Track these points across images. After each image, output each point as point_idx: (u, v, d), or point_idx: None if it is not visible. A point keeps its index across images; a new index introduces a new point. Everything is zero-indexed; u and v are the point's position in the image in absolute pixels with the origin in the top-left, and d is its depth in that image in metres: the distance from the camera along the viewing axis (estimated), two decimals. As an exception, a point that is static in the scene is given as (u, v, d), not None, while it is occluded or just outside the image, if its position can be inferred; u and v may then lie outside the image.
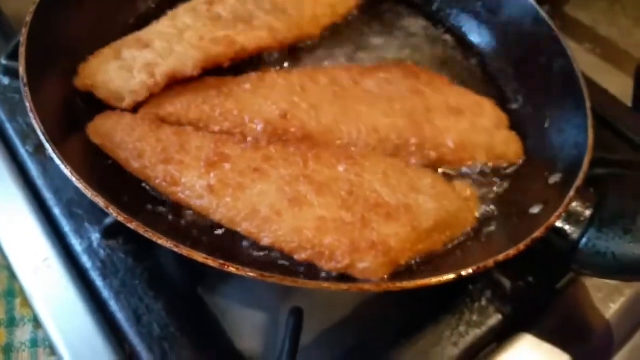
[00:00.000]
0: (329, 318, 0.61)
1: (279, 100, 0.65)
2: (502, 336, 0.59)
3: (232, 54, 0.70)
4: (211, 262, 0.47)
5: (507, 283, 0.61)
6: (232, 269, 0.47)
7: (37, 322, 0.59)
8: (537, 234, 0.51)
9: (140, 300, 0.57)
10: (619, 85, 0.89)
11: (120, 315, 0.56)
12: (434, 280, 0.47)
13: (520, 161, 0.67)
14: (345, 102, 0.66)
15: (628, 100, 0.85)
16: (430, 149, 0.64)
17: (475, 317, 0.60)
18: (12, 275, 0.61)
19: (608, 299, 0.64)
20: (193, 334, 0.56)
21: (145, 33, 0.71)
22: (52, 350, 0.57)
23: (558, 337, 0.60)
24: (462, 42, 0.81)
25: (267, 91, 0.67)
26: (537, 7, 0.74)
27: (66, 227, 0.62)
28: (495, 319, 0.60)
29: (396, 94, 0.68)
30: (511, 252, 0.50)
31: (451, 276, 0.48)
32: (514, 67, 0.75)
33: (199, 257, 0.47)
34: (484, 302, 0.61)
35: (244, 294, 0.62)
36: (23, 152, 0.68)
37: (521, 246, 0.50)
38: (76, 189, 0.61)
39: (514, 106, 0.73)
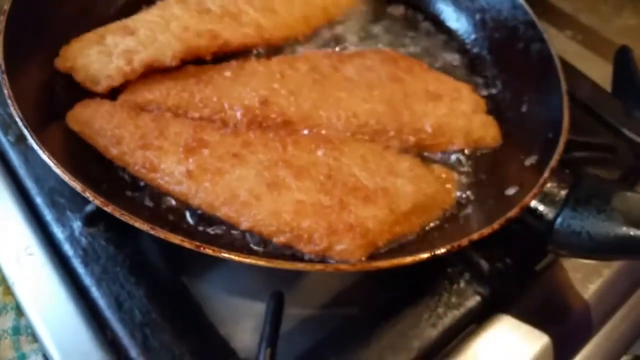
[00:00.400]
0: (311, 303, 0.62)
1: (259, 87, 0.66)
2: (480, 317, 0.60)
3: (215, 47, 0.70)
4: (187, 244, 0.48)
5: (485, 265, 0.62)
6: (208, 251, 0.47)
7: (19, 310, 0.59)
8: (512, 213, 0.52)
9: (122, 287, 0.57)
10: (599, 72, 0.90)
11: (101, 302, 0.57)
12: (409, 259, 0.48)
13: (498, 145, 0.68)
14: (325, 89, 0.67)
15: (608, 86, 0.86)
16: (408, 133, 0.65)
17: (453, 299, 0.61)
18: (-5, 264, 0.61)
19: (586, 280, 0.65)
20: (175, 319, 0.57)
21: (133, 20, 0.72)
22: (34, 337, 0.58)
23: (537, 318, 0.61)
24: (441, 28, 0.81)
25: (247, 79, 0.67)
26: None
27: (48, 215, 0.62)
28: (473, 300, 0.61)
29: (375, 80, 0.69)
30: (485, 231, 0.50)
31: (425, 255, 0.48)
32: (492, 53, 0.76)
33: (176, 239, 0.48)
34: (462, 284, 0.61)
35: (227, 282, 0.62)
36: (4, 141, 0.68)
37: (495, 225, 0.51)
38: (58, 177, 0.61)
39: (493, 91, 0.74)
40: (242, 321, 0.59)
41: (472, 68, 0.77)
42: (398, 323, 0.59)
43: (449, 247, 0.49)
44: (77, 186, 0.50)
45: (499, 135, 0.68)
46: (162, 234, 0.48)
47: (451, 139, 0.66)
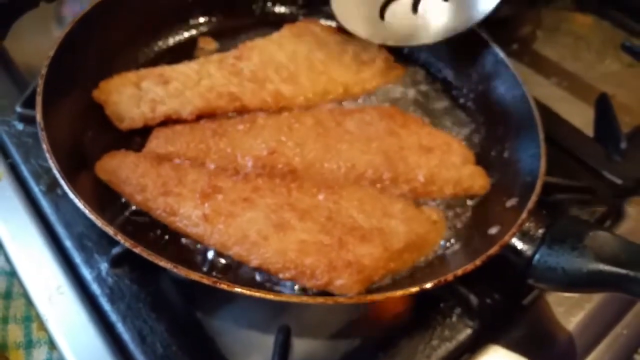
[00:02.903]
0: (316, 336, 0.66)
1: (268, 139, 0.73)
2: (472, 348, 0.65)
3: (232, 108, 0.79)
4: (206, 280, 0.54)
5: (474, 300, 0.66)
6: (223, 286, 0.53)
7: (52, 344, 0.64)
8: (492, 251, 0.58)
9: (144, 322, 0.62)
10: (583, 116, 0.96)
11: (126, 336, 0.61)
12: (399, 292, 0.53)
13: (485, 192, 0.74)
14: (327, 141, 0.74)
15: (591, 129, 0.93)
16: (403, 182, 0.72)
17: (446, 332, 0.65)
18: (29, 303, 0.67)
19: (569, 313, 0.69)
20: (192, 352, 0.62)
21: (171, 70, 0.81)
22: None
23: (524, 348, 0.65)
24: (435, 77, 0.90)
25: (258, 132, 0.74)
26: (497, 49, 0.82)
27: (77, 258, 0.67)
28: (464, 333, 0.65)
29: (374, 134, 0.76)
30: (468, 267, 0.56)
31: (415, 289, 0.54)
32: (476, 103, 0.83)
33: (195, 276, 0.54)
34: (454, 318, 0.66)
35: (237, 317, 0.67)
36: (37, 190, 0.73)
37: (477, 262, 0.57)
38: (86, 223, 0.69)
39: (477, 138, 0.81)
40: (253, 354, 0.64)
41: (459, 116, 0.84)
42: (396, 355, 0.63)
43: (435, 281, 0.55)
44: (109, 230, 0.56)
45: (487, 184, 0.75)
46: (183, 271, 0.54)
47: (442, 188, 0.73)
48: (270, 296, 0.53)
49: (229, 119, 0.77)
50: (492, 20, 1.04)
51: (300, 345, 0.64)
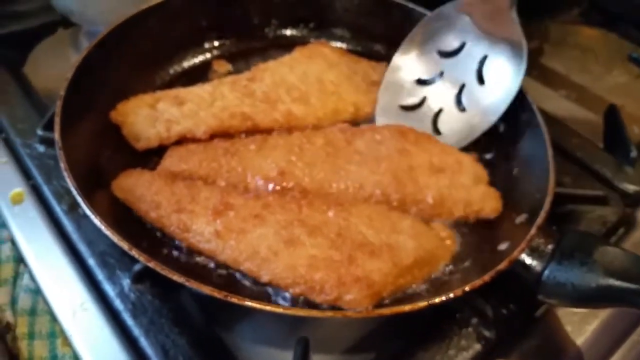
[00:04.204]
0: (333, 350, 0.68)
1: (279, 159, 0.75)
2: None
3: (244, 128, 0.81)
4: (217, 293, 0.56)
5: (490, 311, 0.67)
6: (234, 300, 0.55)
7: (76, 359, 0.66)
8: (501, 266, 0.59)
9: (167, 336, 0.64)
10: (592, 128, 0.98)
11: (149, 350, 0.63)
12: (407, 307, 0.55)
13: (497, 215, 0.74)
14: (337, 162, 0.75)
15: (600, 141, 0.94)
16: (411, 203, 0.72)
17: (463, 342, 0.66)
18: (53, 319, 0.69)
19: (578, 329, 0.70)
20: None
21: (186, 92, 0.84)
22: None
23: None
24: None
25: (269, 151, 0.76)
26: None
27: (100, 275, 0.70)
28: (480, 343, 0.66)
29: (384, 154, 0.76)
30: (477, 282, 0.58)
31: (423, 304, 0.55)
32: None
33: (206, 289, 0.56)
34: (470, 329, 0.67)
35: (256, 332, 0.69)
36: (59, 210, 0.76)
37: (486, 277, 0.58)
38: (107, 241, 0.71)
39: (488, 156, 0.82)
40: None
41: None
42: (413, 365, 0.64)
43: (444, 297, 0.56)
44: (124, 245, 0.59)
45: (499, 207, 0.74)
46: (195, 285, 0.56)
47: (451, 210, 0.73)
48: (279, 309, 0.55)
49: (242, 138, 0.79)
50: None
51: (319, 358, 0.66)
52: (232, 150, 0.76)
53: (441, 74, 0.87)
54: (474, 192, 0.74)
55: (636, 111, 1.05)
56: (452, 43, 0.86)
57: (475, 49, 0.84)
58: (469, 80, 0.85)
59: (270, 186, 0.72)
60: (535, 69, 1.13)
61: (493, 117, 0.81)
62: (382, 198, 0.72)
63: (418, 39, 0.89)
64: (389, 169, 0.74)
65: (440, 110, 0.86)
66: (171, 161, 0.76)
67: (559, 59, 1.18)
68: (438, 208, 0.72)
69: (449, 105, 0.86)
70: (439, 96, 0.87)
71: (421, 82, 0.89)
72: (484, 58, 0.83)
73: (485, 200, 0.74)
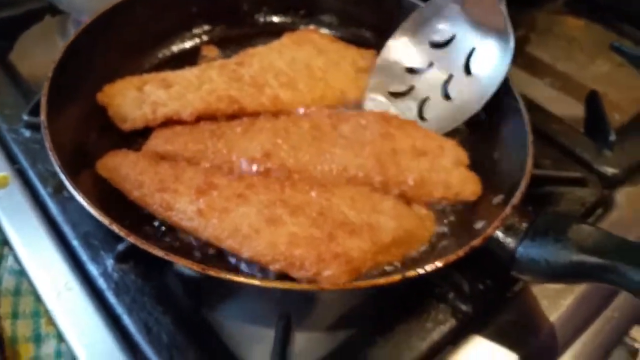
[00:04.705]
0: (316, 326, 0.69)
1: (264, 142, 0.76)
2: (460, 334, 0.67)
3: (230, 111, 0.81)
4: (195, 267, 0.56)
5: (466, 285, 0.69)
6: (211, 272, 0.56)
7: (60, 338, 0.67)
8: (475, 242, 0.61)
9: (149, 314, 0.65)
10: (575, 114, 1.00)
11: (132, 328, 0.64)
12: (382, 280, 0.56)
13: (476, 198, 0.75)
14: (322, 145, 0.76)
15: (582, 127, 0.96)
16: (392, 186, 0.73)
17: (440, 316, 0.67)
18: (37, 299, 0.70)
19: (553, 304, 0.72)
20: (197, 342, 0.64)
21: (173, 75, 0.84)
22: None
23: (508, 339, 0.68)
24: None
25: (255, 134, 0.77)
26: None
27: (84, 255, 0.71)
28: (456, 318, 0.68)
29: (368, 138, 0.78)
30: (451, 257, 0.59)
31: (397, 277, 0.57)
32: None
33: (185, 262, 0.57)
34: (447, 303, 0.68)
35: (240, 310, 0.70)
36: (44, 193, 0.77)
37: (460, 252, 0.59)
38: (92, 222, 0.72)
39: (469, 141, 0.83)
40: (256, 344, 0.66)
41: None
42: (391, 339, 0.66)
43: (418, 270, 0.57)
44: (105, 220, 0.59)
45: (479, 190, 0.76)
46: (173, 258, 0.57)
47: (431, 192, 0.74)
48: (255, 282, 0.56)
49: (229, 121, 0.80)
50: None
51: (300, 336, 0.67)
52: (218, 132, 0.77)
53: (431, 64, 0.89)
54: (454, 175, 0.75)
55: (618, 98, 1.07)
56: (443, 34, 0.88)
57: (464, 41, 0.86)
58: (456, 71, 0.86)
59: (255, 167, 0.73)
60: (521, 58, 1.15)
61: (477, 106, 0.82)
62: (364, 180, 0.73)
63: (411, 28, 0.90)
64: (373, 152, 0.75)
65: (426, 98, 0.88)
66: (157, 142, 0.77)
67: (545, 48, 1.19)
68: (419, 190, 0.73)
69: (436, 94, 0.87)
70: (427, 85, 0.88)
71: (411, 71, 0.90)
72: (473, 50, 0.85)
73: (464, 184, 0.75)
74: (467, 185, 0.75)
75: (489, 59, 0.83)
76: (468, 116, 0.83)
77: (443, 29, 0.88)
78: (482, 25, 0.84)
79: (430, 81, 0.88)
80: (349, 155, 0.75)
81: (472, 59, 0.85)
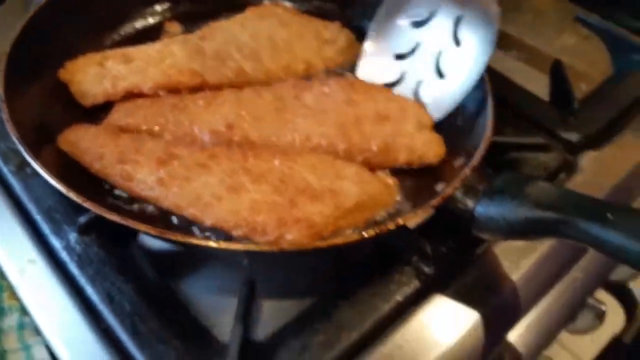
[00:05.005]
0: (281, 293, 0.70)
1: (227, 114, 0.75)
2: (424, 295, 0.68)
3: (193, 84, 0.81)
4: (151, 230, 0.57)
5: (429, 248, 0.70)
6: (168, 236, 0.56)
7: (23, 311, 0.67)
8: (434, 202, 0.61)
9: (112, 284, 0.65)
10: (542, 86, 1.01)
11: (95, 298, 0.64)
12: (340, 240, 0.57)
13: (440, 160, 0.76)
14: (285, 116, 0.76)
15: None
16: (356, 153, 0.74)
17: (404, 278, 0.68)
18: (0, 274, 0.70)
19: (515, 264, 0.73)
20: (161, 311, 0.64)
21: (135, 50, 0.84)
22: (37, 331, 0.66)
23: (470, 297, 0.69)
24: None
25: (218, 107, 0.77)
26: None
27: (46, 229, 0.71)
28: (419, 279, 0.68)
29: (331, 106, 0.78)
30: (409, 217, 0.60)
31: (356, 236, 0.57)
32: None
33: (142, 227, 0.57)
34: (411, 265, 0.69)
35: (205, 280, 0.70)
36: (6, 171, 0.77)
37: (418, 211, 0.60)
38: (54, 197, 0.72)
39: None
40: (222, 314, 0.66)
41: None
42: (356, 301, 0.66)
43: (377, 229, 0.58)
44: (62, 188, 0.59)
45: (442, 152, 0.76)
46: (130, 223, 0.57)
47: (396, 157, 0.74)
48: (212, 244, 0.56)
49: (191, 94, 0.80)
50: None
51: (266, 304, 0.68)
52: (181, 105, 0.77)
53: (417, 45, 0.87)
54: (417, 139, 0.75)
55: (584, 69, 1.08)
56: (422, 11, 0.86)
57: (448, 12, 0.84)
58: (445, 44, 0.84)
59: (217, 139, 0.73)
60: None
61: (474, 76, 0.79)
62: (328, 149, 0.74)
63: (389, 12, 0.88)
64: (336, 121, 0.75)
65: (420, 82, 0.85)
66: (118, 116, 0.77)
67: (513, 23, 1.20)
68: (383, 155, 0.74)
69: (429, 75, 0.85)
70: (418, 68, 0.86)
71: (399, 57, 0.88)
72: (458, 20, 0.83)
73: (428, 146, 0.75)
74: (431, 148, 0.75)
75: (476, 26, 0.80)
76: (466, 91, 0.80)
77: (423, 5, 0.86)
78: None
79: (420, 63, 0.86)
80: (312, 125, 0.75)
81: (459, 29, 0.82)
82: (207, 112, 0.76)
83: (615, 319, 1.10)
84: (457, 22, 0.83)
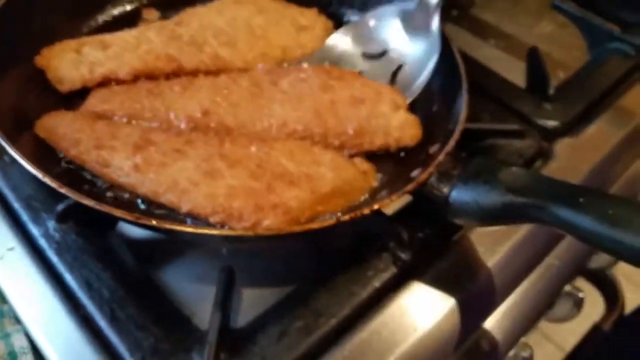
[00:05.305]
0: (261, 281, 0.71)
1: (203, 100, 0.75)
2: (400, 281, 0.70)
3: (169, 69, 0.81)
4: (128, 216, 0.56)
5: (405, 234, 0.70)
6: (144, 221, 0.56)
7: (2, 298, 0.67)
8: (409, 187, 0.62)
9: (91, 271, 0.65)
10: (519, 73, 1.01)
11: (73, 285, 0.65)
12: (316, 224, 0.58)
13: (417, 142, 0.77)
14: (261, 101, 0.76)
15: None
16: (333, 137, 0.74)
17: (381, 265, 0.69)
18: (-22, 262, 0.70)
19: (490, 250, 0.74)
20: (139, 298, 0.65)
21: (111, 37, 0.83)
22: (17, 319, 0.66)
23: (446, 284, 0.71)
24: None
25: (194, 93, 0.77)
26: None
27: (25, 217, 0.71)
28: (396, 265, 0.69)
29: (307, 91, 0.78)
30: (384, 202, 0.60)
31: (332, 221, 0.58)
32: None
33: (117, 212, 0.57)
34: (388, 252, 0.70)
35: (184, 268, 0.71)
36: None
37: (393, 197, 0.61)
38: (33, 185, 0.72)
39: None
40: (202, 302, 0.66)
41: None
42: (334, 287, 0.67)
43: (353, 214, 0.59)
44: (38, 174, 0.59)
45: (419, 133, 0.77)
46: (106, 208, 0.57)
47: (372, 139, 0.75)
48: (188, 229, 0.57)
49: (167, 80, 0.80)
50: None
51: (245, 291, 0.69)
52: (156, 91, 0.77)
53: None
54: (393, 120, 0.76)
55: (561, 57, 1.09)
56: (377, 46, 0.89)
57: (395, 56, 0.87)
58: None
59: (193, 125, 0.73)
60: (465, 21, 1.16)
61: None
62: (304, 134, 0.74)
63: (348, 34, 0.91)
64: (311, 106, 0.76)
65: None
66: (94, 102, 0.77)
67: (491, 11, 1.21)
68: (359, 138, 0.74)
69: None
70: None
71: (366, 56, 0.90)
72: (400, 67, 0.86)
73: (404, 128, 0.76)
74: (407, 129, 0.76)
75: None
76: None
77: (378, 40, 0.89)
78: (415, 41, 0.86)
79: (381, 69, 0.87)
80: (287, 110, 0.75)
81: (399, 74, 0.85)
82: (182, 98, 0.76)
83: (594, 306, 1.12)
84: (398, 68, 0.86)
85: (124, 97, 0.76)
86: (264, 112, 0.75)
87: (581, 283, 1.13)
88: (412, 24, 0.87)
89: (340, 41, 0.91)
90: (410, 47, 0.87)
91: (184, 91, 0.77)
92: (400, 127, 0.77)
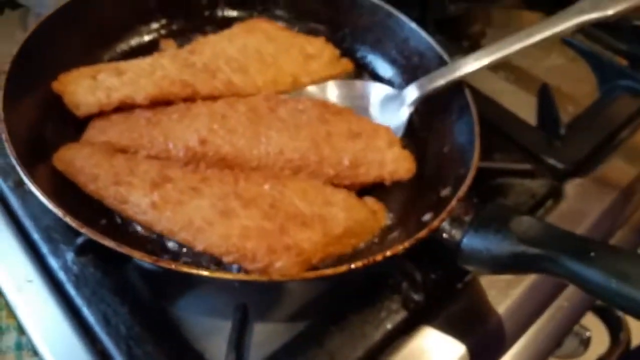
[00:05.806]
0: (274, 318, 0.71)
1: (200, 128, 0.76)
2: (412, 324, 0.70)
3: (184, 95, 0.82)
4: (147, 258, 0.57)
5: (419, 276, 0.71)
6: (163, 264, 0.57)
7: (20, 330, 0.68)
8: (421, 234, 0.63)
9: (108, 305, 0.67)
10: (529, 108, 1.03)
11: (91, 319, 0.66)
12: (329, 271, 0.58)
13: (411, 176, 0.78)
14: (259, 129, 0.77)
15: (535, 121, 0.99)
16: (328, 167, 0.75)
17: (394, 305, 0.70)
18: (-2, 293, 0.72)
19: (501, 294, 0.75)
20: (155, 334, 0.66)
21: (126, 64, 0.85)
22: (35, 352, 0.67)
23: (457, 329, 0.71)
24: (372, 75, 0.96)
25: (191, 120, 0.77)
26: (440, 50, 0.88)
27: (44, 249, 0.72)
28: (409, 307, 0.70)
29: (305, 121, 0.79)
30: (397, 248, 0.61)
31: (345, 267, 0.58)
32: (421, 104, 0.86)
33: (137, 254, 0.57)
34: (401, 293, 0.71)
35: (198, 302, 0.72)
36: (5, 187, 0.78)
37: (406, 244, 0.61)
38: (52, 216, 0.72)
39: (421, 134, 0.86)
40: (214, 336, 0.68)
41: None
42: (346, 327, 0.68)
43: (365, 261, 0.59)
44: (59, 212, 0.60)
45: (413, 168, 0.78)
46: (125, 250, 0.57)
47: (367, 170, 0.76)
48: (204, 273, 0.57)
49: (165, 107, 0.80)
50: (443, 19, 1.11)
51: (258, 327, 0.69)
52: (154, 120, 0.77)
53: None
54: (387, 154, 0.77)
55: (571, 91, 1.10)
56: None
57: None
58: None
59: (192, 154, 0.74)
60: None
61: None
62: (300, 162, 0.75)
63: None
64: (309, 136, 0.76)
65: None
66: (93, 133, 0.77)
67: (502, 43, 1.21)
68: (354, 169, 0.75)
69: None
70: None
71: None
72: None
73: (398, 161, 0.77)
74: (402, 163, 0.77)
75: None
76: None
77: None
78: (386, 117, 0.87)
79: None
80: (284, 139, 0.76)
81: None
82: (180, 126, 0.76)
83: (600, 340, 1.12)
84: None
85: (122, 127, 0.76)
86: (260, 140, 0.75)
87: (586, 317, 1.14)
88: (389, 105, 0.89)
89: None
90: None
91: (181, 119, 0.77)
92: (395, 160, 0.77)
